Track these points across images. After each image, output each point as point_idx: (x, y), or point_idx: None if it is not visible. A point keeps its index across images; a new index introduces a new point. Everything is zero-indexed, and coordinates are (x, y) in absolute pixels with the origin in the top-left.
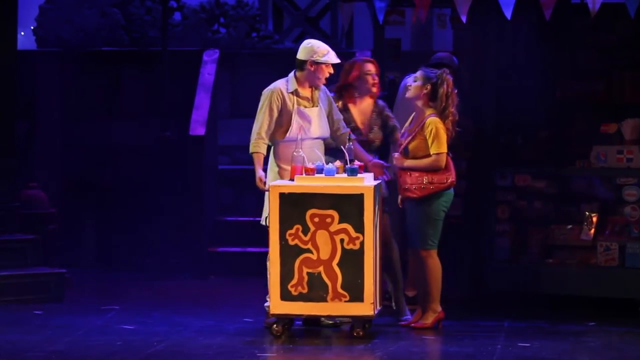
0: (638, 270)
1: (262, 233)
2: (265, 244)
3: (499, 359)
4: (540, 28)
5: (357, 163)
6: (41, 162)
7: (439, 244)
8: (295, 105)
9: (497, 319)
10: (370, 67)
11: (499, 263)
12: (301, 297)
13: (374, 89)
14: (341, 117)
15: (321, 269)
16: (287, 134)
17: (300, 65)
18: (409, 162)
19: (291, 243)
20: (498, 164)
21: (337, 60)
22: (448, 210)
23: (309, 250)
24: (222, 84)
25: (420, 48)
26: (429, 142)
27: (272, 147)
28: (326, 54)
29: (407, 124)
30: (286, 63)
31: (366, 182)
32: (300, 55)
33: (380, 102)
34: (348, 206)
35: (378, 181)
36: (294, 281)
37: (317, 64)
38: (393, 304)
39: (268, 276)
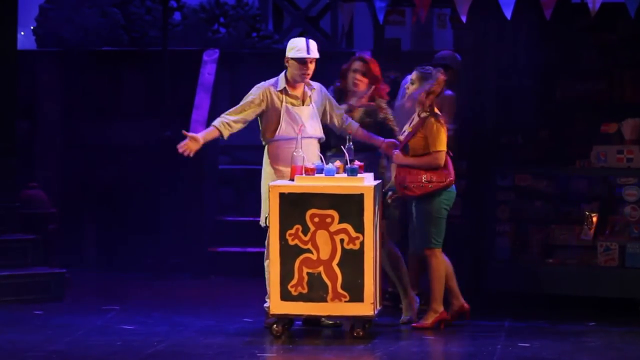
0: (638, 270)
1: (263, 233)
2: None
3: (500, 359)
4: (541, 28)
5: (357, 163)
6: (41, 162)
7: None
8: (284, 104)
9: (498, 318)
10: (357, 65)
11: (499, 263)
12: (301, 297)
13: (355, 88)
14: (342, 111)
15: (321, 269)
16: (277, 133)
17: (284, 63)
18: (409, 159)
19: (291, 243)
20: (498, 164)
21: (305, 55)
22: (450, 208)
23: (309, 251)
24: (222, 84)
25: (420, 48)
26: (429, 139)
27: (265, 147)
28: (296, 50)
29: (407, 124)
30: None
31: (366, 182)
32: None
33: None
34: (348, 206)
35: (378, 181)
36: (294, 281)
37: (291, 59)
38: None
39: (266, 276)
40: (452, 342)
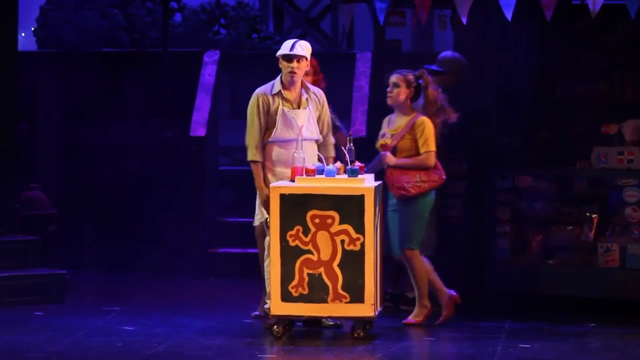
0: (638, 271)
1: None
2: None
3: None
4: (541, 29)
5: (357, 164)
6: (42, 163)
7: (438, 244)
8: (280, 107)
9: (498, 320)
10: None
11: (499, 264)
12: (302, 298)
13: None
14: (327, 124)
15: (322, 270)
16: (273, 135)
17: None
18: (403, 160)
19: (292, 244)
20: (498, 165)
21: (288, 52)
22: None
23: (309, 251)
24: (223, 85)
25: (420, 49)
26: (420, 141)
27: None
28: (282, 48)
29: (385, 126)
30: None
31: (367, 183)
32: None
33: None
34: (349, 207)
35: (379, 182)
36: (295, 282)
37: (279, 58)
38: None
39: (265, 277)
40: (452, 343)
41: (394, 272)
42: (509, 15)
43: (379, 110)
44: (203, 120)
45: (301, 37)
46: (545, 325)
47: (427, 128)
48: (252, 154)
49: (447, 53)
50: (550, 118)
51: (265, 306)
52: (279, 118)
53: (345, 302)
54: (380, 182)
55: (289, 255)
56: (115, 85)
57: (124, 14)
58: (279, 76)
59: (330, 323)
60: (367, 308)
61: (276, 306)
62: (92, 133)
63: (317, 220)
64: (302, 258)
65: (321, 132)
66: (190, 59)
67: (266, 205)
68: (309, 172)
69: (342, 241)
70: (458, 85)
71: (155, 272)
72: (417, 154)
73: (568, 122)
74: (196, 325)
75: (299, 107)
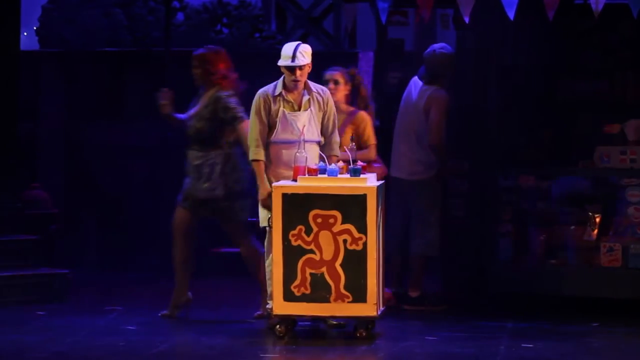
0: None
1: (266, 234)
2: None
3: None
4: (544, 28)
5: (359, 164)
6: (44, 163)
7: (441, 244)
8: (281, 109)
9: (500, 320)
10: (193, 61)
11: (502, 264)
12: (304, 298)
13: (196, 82)
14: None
15: (324, 269)
16: (273, 136)
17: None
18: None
19: (294, 244)
20: (501, 165)
21: (289, 63)
22: None
23: (311, 251)
24: None
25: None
26: (365, 135)
27: None
28: (282, 58)
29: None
30: None
31: (369, 182)
32: None
33: (219, 93)
34: (351, 207)
35: (382, 182)
36: (297, 282)
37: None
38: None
39: (267, 276)
40: (454, 343)
41: (396, 271)
42: (511, 14)
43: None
44: None
45: (303, 37)
46: (548, 325)
47: (369, 122)
48: (253, 153)
49: (428, 50)
50: (552, 118)
51: (267, 306)
52: (279, 120)
53: (348, 302)
54: (383, 181)
55: (292, 254)
56: (117, 85)
57: (127, 13)
58: (282, 77)
59: (334, 322)
60: (370, 308)
61: (278, 306)
62: (95, 132)
63: (319, 220)
64: (304, 258)
65: (326, 131)
66: None
67: (265, 204)
68: (311, 172)
69: (345, 241)
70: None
71: (158, 272)
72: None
73: (570, 121)
74: (199, 324)
75: (300, 109)
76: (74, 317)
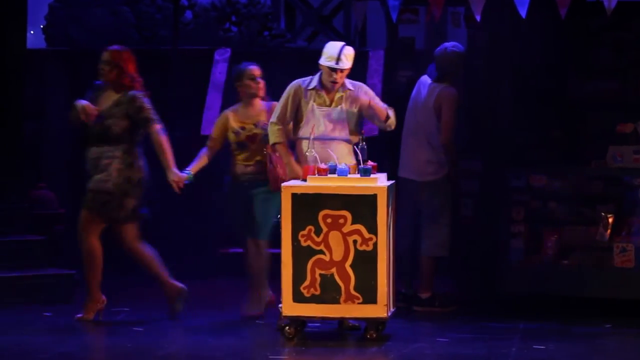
0: None
1: (274, 234)
2: (278, 245)
3: None
4: (556, 27)
5: (370, 163)
6: (50, 162)
7: (452, 244)
8: (312, 103)
9: (512, 321)
10: (103, 56)
11: (513, 264)
12: (313, 299)
13: (104, 78)
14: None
15: (334, 270)
16: (301, 131)
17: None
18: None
19: (303, 244)
20: (512, 164)
21: (333, 65)
22: None
23: (321, 252)
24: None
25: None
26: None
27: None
28: (326, 57)
29: (237, 119)
30: (298, 62)
31: (379, 182)
32: None
33: (133, 93)
34: (361, 207)
35: (392, 181)
36: (307, 283)
37: (321, 65)
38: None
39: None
40: (465, 344)
41: (407, 272)
42: (523, 12)
43: (393, 108)
44: (214, 119)
45: (313, 35)
46: (560, 326)
47: None
48: (273, 138)
49: (439, 48)
50: (565, 117)
51: (279, 305)
52: (306, 113)
53: (358, 303)
54: (393, 181)
55: (301, 255)
56: None
57: (134, 11)
58: (319, 73)
59: (355, 324)
60: (380, 309)
61: (288, 307)
62: None
63: (329, 220)
64: (314, 258)
65: (380, 117)
66: (201, 57)
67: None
68: (321, 172)
69: (355, 241)
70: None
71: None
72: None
73: (583, 120)
74: (207, 326)
75: (331, 105)
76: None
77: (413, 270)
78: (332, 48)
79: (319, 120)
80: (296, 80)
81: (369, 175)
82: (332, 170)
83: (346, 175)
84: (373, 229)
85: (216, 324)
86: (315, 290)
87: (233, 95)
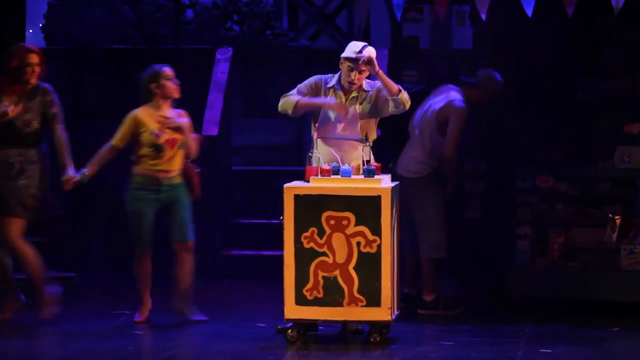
0: None
1: (277, 236)
2: (280, 246)
3: None
4: (562, 25)
5: (373, 164)
6: (50, 164)
7: (457, 246)
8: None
9: (518, 324)
10: (33, 59)
11: (519, 267)
12: (316, 302)
13: (32, 80)
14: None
15: (337, 272)
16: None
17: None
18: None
19: (306, 246)
20: (519, 165)
21: (349, 55)
22: None
23: (324, 254)
24: (236, 83)
25: (438, 46)
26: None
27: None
28: (346, 51)
29: (155, 121)
30: (301, 61)
31: (383, 183)
32: None
33: (45, 85)
34: (365, 208)
35: (396, 182)
36: (309, 285)
37: (342, 58)
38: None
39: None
40: (471, 348)
41: (410, 272)
42: (529, 11)
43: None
44: (215, 119)
45: (316, 34)
46: (567, 329)
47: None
48: (292, 101)
49: (487, 70)
50: (571, 117)
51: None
52: (321, 113)
53: (361, 306)
54: (397, 182)
55: (304, 257)
56: (125, 83)
57: (135, 10)
58: (339, 73)
59: (359, 328)
60: (384, 312)
61: (290, 310)
62: (102, 132)
63: (332, 222)
64: (317, 260)
65: (392, 90)
66: (203, 56)
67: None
68: (324, 172)
69: (358, 243)
70: (485, 104)
71: (166, 275)
72: None
73: (590, 121)
74: (209, 328)
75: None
76: (82, 321)
77: (416, 270)
78: (353, 44)
79: (328, 120)
80: (319, 75)
81: (373, 176)
82: (336, 171)
83: (350, 176)
84: (377, 231)
85: (219, 327)
86: (318, 292)
87: (235, 95)
